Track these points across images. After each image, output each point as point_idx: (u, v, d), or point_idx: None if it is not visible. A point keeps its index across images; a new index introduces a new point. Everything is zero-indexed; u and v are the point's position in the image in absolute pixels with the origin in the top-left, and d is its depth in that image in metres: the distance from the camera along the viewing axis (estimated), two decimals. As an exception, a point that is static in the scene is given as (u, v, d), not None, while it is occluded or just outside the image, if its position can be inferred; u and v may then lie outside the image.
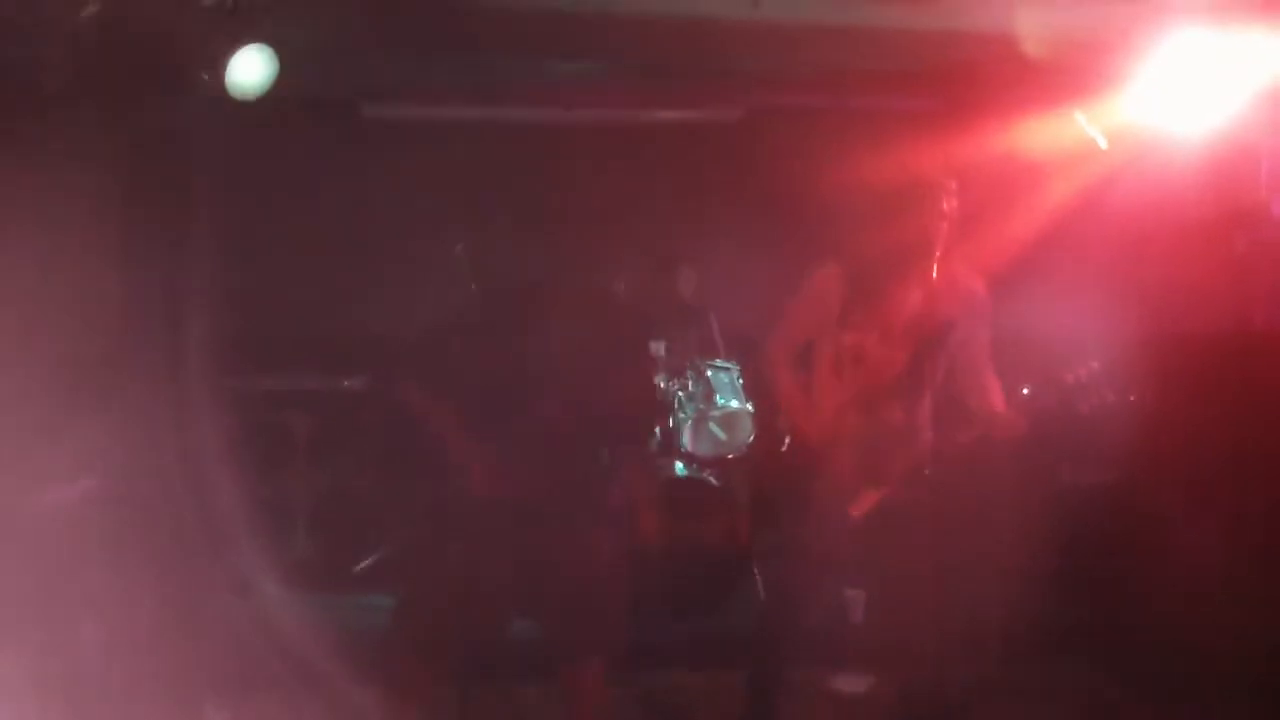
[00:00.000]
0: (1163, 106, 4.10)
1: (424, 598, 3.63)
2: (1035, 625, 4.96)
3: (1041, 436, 3.73)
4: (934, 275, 3.58)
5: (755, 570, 5.37)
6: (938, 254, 3.55)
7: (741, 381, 5.78)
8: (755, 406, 5.67)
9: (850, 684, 4.59)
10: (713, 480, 5.46)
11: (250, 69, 4.04)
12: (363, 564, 5.20)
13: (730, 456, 5.70)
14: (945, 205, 3.54)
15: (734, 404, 5.64)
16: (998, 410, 3.57)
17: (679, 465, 5.49)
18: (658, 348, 5.86)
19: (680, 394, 5.74)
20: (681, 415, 5.67)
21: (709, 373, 5.76)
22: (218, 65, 3.94)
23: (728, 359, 5.88)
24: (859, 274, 3.65)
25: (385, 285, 3.74)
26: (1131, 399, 5.09)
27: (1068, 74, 4.21)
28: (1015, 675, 4.61)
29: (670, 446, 5.63)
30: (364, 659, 3.87)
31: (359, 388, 4.65)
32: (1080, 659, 4.79)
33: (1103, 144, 4.42)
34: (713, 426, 5.67)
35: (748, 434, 5.66)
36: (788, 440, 5.04)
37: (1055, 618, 5.03)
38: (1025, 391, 3.55)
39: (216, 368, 5.23)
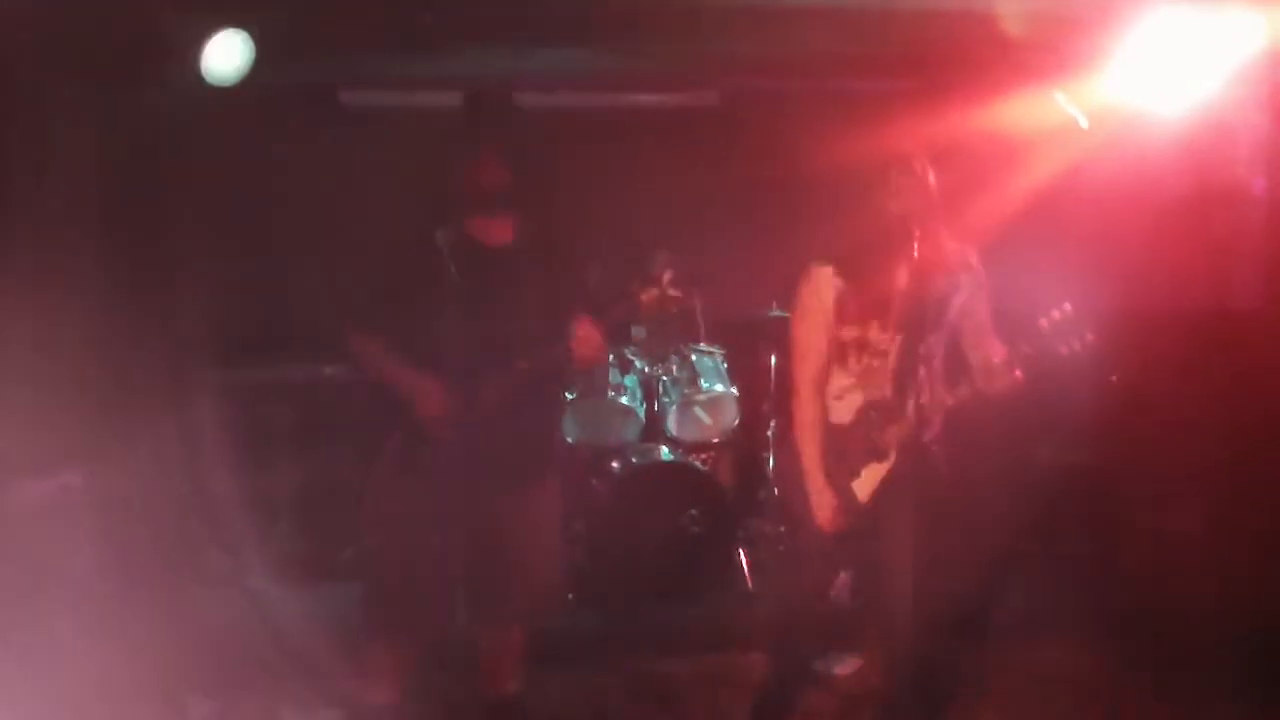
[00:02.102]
0: (1143, 85, 4.09)
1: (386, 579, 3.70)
2: (1019, 606, 5.01)
3: (1021, 419, 3.76)
4: (923, 255, 3.54)
5: (741, 555, 5.40)
6: (923, 231, 3.52)
7: (726, 366, 5.78)
8: (740, 390, 5.68)
9: (839, 666, 4.60)
10: (698, 465, 5.46)
11: (227, 54, 4.02)
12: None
13: (715, 440, 5.71)
14: (925, 182, 3.52)
15: (719, 388, 5.64)
16: (1000, 369, 3.54)
17: (664, 450, 5.48)
18: (638, 332, 5.85)
19: (665, 378, 5.73)
20: (666, 400, 5.66)
21: (693, 357, 5.75)
22: (194, 50, 3.91)
23: (712, 343, 5.88)
24: (849, 262, 3.63)
25: (366, 272, 3.75)
26: (1112, 379, 5.15)
27: (1047, 53, 4.20)
28: (1002, 655, 4.64)
29: (655, 431, 5.63)
30: (345, 649, 3.88)
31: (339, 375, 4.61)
32: (1065, 639, 4.81)
33: (1083, 123, 4.42)
34: (698, 411, 5.66)
35: (733, 418, 5.66)
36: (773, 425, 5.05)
37: (1039, 598, 5.08)
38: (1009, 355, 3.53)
39: (197, 358, 5.21)
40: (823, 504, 3.59)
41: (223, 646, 4.32)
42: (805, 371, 3.65)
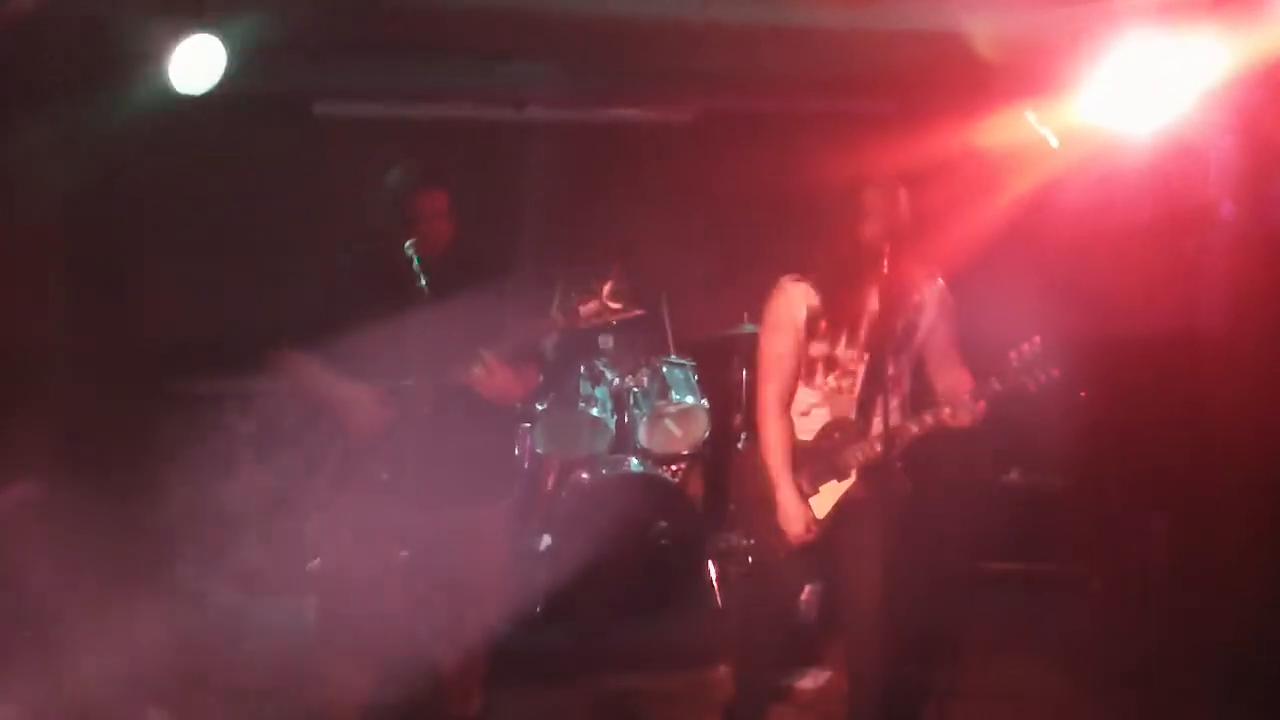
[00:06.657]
0: (1113, 108, 4.11)
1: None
2: (985, 624, 5.02)
3: (988, 442, 3.76)
4: (893, 275, 3.51)
5: (711, 569, 5.38)
6: (894, 252, 3.50)
7: (697, 378, 5.77)
8: (711, 403, 5.67)
9: (804, 680, 4.60)
10: (669, 477, 5.44)
11: (200, 63, 3.99)
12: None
13: (686, 453, 5.70)
14: (898, 204, 3.51)
15: (689, 400, 5.62)
16: (965, 402, 3.53)
17: (634, 462, 5.47)
18: (605, 341, 5.84)
19: (636, 390, 5.71)
20: (637, 412, 5.64)
21: (664, 369, 5.73)
22: (167, 59, 3.88)
23: (683, 356, 5.87)
24: (821, 279, 3.63)
25: (301, 286, 3.78)
26: (1081, 398, 5.18)
27: (1018, 75, 4.22)
28: (968, 673, 4.64)
29: (626, 443, 5.61)
30: (305, 663, 3.86)
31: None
32: (1031, 658, 4.82)
33: (1054, 144, 4.44)
34: (668, 423, 5.65)
35: (703, 430, 5.65)
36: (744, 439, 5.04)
37: (1005, 617, 5.10)
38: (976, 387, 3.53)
39: (162, 370, 5.16)
40: (793, 519, 3.57)
41: (181, 658, 4.28)
42: (771, 387, 3.63)
